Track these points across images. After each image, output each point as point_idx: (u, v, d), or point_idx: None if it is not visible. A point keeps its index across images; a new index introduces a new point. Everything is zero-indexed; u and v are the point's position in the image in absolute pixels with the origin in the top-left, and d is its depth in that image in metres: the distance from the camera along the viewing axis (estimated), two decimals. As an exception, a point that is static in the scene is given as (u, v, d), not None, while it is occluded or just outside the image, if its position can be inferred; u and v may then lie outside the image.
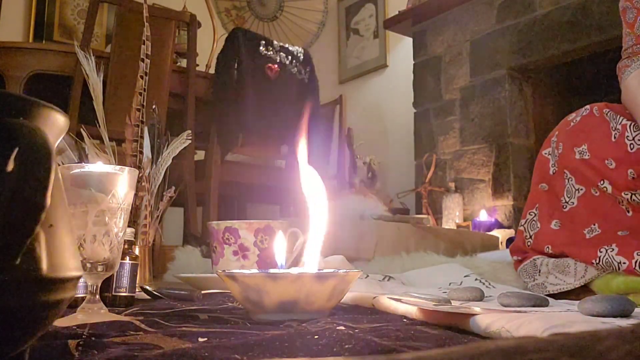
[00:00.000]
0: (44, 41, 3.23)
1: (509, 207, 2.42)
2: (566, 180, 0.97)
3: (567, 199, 0.96)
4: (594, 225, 0.91)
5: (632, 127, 0.86)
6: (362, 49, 3.73)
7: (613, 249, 0.85)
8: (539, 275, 0.97)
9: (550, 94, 2.62)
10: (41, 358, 0.41)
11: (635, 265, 0.82)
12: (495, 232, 2.24)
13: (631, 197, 0.85)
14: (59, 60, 2.01)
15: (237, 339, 0.49)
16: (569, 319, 0.56)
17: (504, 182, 2.46)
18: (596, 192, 0.91)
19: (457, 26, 2.71)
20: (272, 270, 0.69)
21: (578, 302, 0.65)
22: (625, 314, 0.60)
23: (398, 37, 3.27)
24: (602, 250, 0.86)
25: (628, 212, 0.87)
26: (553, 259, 0.96)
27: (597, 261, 0.86)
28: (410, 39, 2.99)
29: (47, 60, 2.01)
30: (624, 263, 0.83)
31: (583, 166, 0.92)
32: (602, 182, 0.89)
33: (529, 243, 1.01)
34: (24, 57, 1.99)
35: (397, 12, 3.00)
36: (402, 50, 3.39)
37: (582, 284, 0.90)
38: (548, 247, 0.96)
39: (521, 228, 1.05)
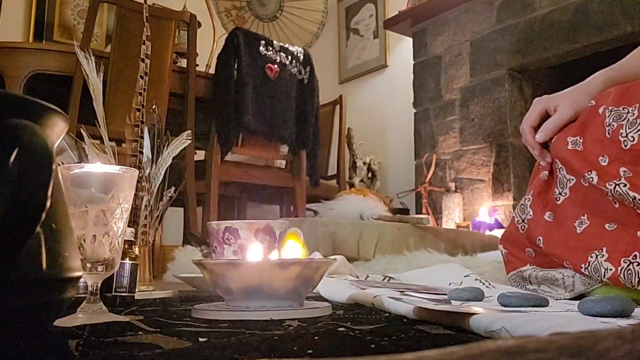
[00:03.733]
0: (44, 41, 3.23)
1: (509, 207, 2.42)
2: (558, 170, 0.95)
3: (560, 190, 0.94)
4: (584, 216, 0.89)
5: (627, 124, 0.85)
6: (362, 49, 3.73)
7: (603, 255, 0.83)
8: (530, 284, 0.96)
9: (550, 94, 2.62)
10: (41, 358, 0.41)
11: (621, 273, 0.79)
12: (495, 232, 2.24)
13: (614, 188, 0.83)
14: (59, 60, 2.01)
15: (237, 339, 0.49)
16: (569, 319, 0.56)
17: (504, 182, 2.46)
18: (585, 182, 0.89)
19: (457, 26, 2.71)
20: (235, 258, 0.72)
21: (578, 302, 0.65)
22: (625, 314, 0.60)
23: (398, 37, 3.27)
24: (592, 255, 0.84)
25: (615, 203, 0.86)
26: (541, 273, 0.94)
27: (587, 265, 0.84)
28: (410, 39, 2.99)
29: (47, 60, 2.01)
30: (610, 270, 0.80)
31: (573, 157, 0.90)
32: (589, 172, 0.87)
33: (522, 228, 0.99)
34: (24, 57, 1.99)
35: (397, 12, 3.00)
36: (402, 50, 3.39)
37: (573, 296, 0.89)
38: (540, 240, 0.94)
39: (513, 214, 1.03)
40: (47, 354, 0.43)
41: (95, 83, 1.02)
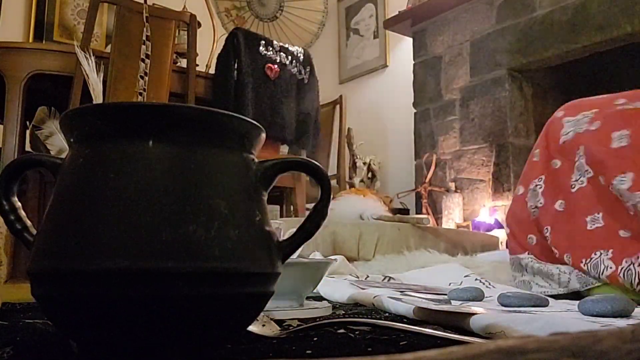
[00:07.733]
0: (44, 41, 3.23)
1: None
2: (577, 156, 0.91)
3: (578, 177, 0.90)
4: (598, 214, 0.85)
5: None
6: (362, 49, 3.74)
7: (608, 254, 0.82)
8: (526, 273, 0.96)
9: (550, 94, 2.62)
10: (43, 358, 0.41)
11: (620, 272, 0.77)
12: (495, 232, 2.24)
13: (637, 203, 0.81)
14: (59, 60, 2.01)
15: (236, 339, 0.49)
16: (569, 319, 0.56)
17: (504, 182, 2.46)
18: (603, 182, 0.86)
19: (457, 26, 2.72)
20: None
21: (578, 302, 0.65)
22: (625, 314, 0.60)
23: (398, 37, 3.27)
24: (597, 252, 0.82)
25: (630, 211, 0.83)
26: (537, 265, 0.93)
27: (588, 260, 0.82)
28: (410, 39, 2.99)
29: (47, 60, 2.01)
30: (610, 268, 0.79)
31: (610, 155, 0.86)
32: (623, 174, 0.82)
33: (534, 214, 0.95)
34: (24, 57, 1.98)
35: (397, 12, 3.00)
36: (402, 50, 3.40)
37: (566, 292, 0.88)
38: (547, 229, 0.91)
39: (524, 198, 0.99)
40: (48, 353, 0.43)
41: (95, 83, 1.02)
